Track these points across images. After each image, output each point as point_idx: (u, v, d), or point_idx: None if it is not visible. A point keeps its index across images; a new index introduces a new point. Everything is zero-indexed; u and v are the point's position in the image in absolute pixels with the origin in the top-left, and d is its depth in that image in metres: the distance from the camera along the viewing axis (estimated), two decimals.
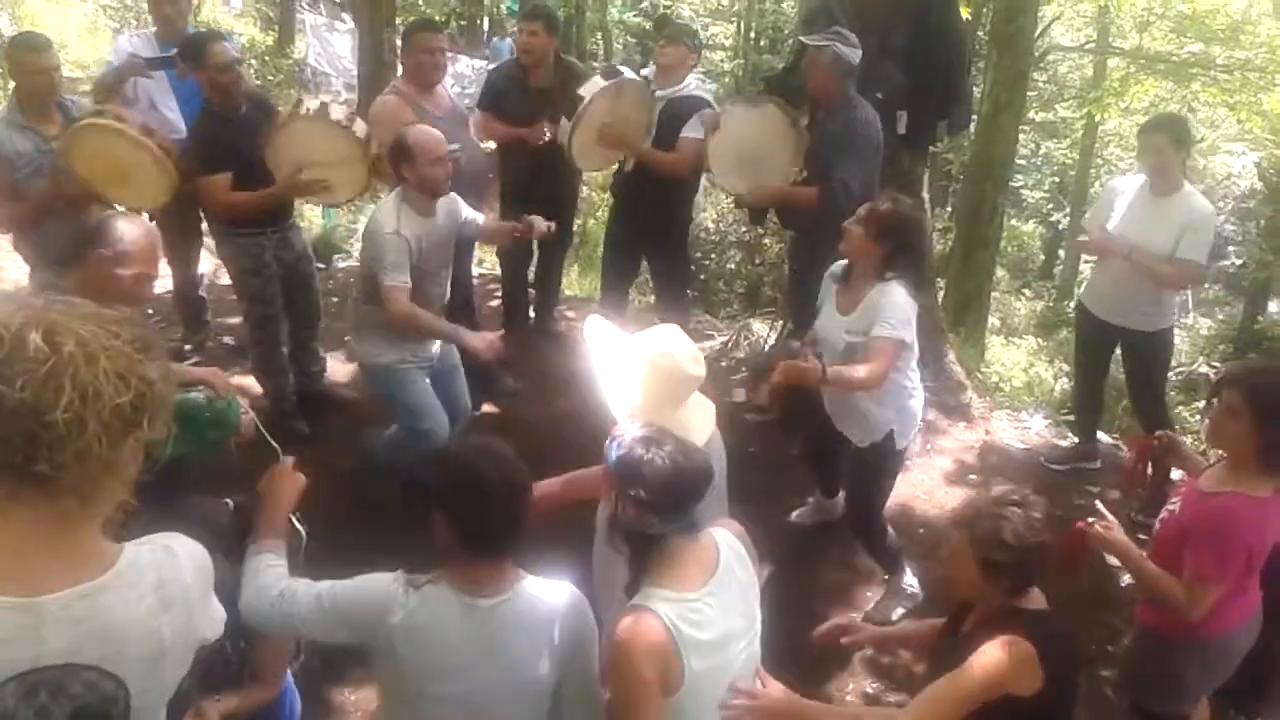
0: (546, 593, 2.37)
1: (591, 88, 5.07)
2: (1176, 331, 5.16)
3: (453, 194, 4.41)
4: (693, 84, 5.46)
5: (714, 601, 2.34)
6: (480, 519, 2.28)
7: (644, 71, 5.63)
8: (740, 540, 2.55)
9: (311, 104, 4.78)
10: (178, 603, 1.58)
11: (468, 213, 4.57)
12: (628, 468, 2.33)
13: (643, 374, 2.79)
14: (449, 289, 4.69)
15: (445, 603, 2.29)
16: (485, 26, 22.29)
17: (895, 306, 3.75)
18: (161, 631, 1.55)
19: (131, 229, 3.17)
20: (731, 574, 2.43)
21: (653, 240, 5.71)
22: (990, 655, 2.45)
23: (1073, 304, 17.70)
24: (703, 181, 6.67)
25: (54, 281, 4.06)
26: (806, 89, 5.04)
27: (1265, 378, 3.04)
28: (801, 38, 4.99)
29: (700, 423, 2.88)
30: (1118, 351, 5.32)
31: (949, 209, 17.36)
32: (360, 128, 4.74)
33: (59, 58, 4.66)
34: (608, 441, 2.45)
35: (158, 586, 1.56)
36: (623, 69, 5.37)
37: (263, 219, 4.90)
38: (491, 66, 7.21)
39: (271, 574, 2.40)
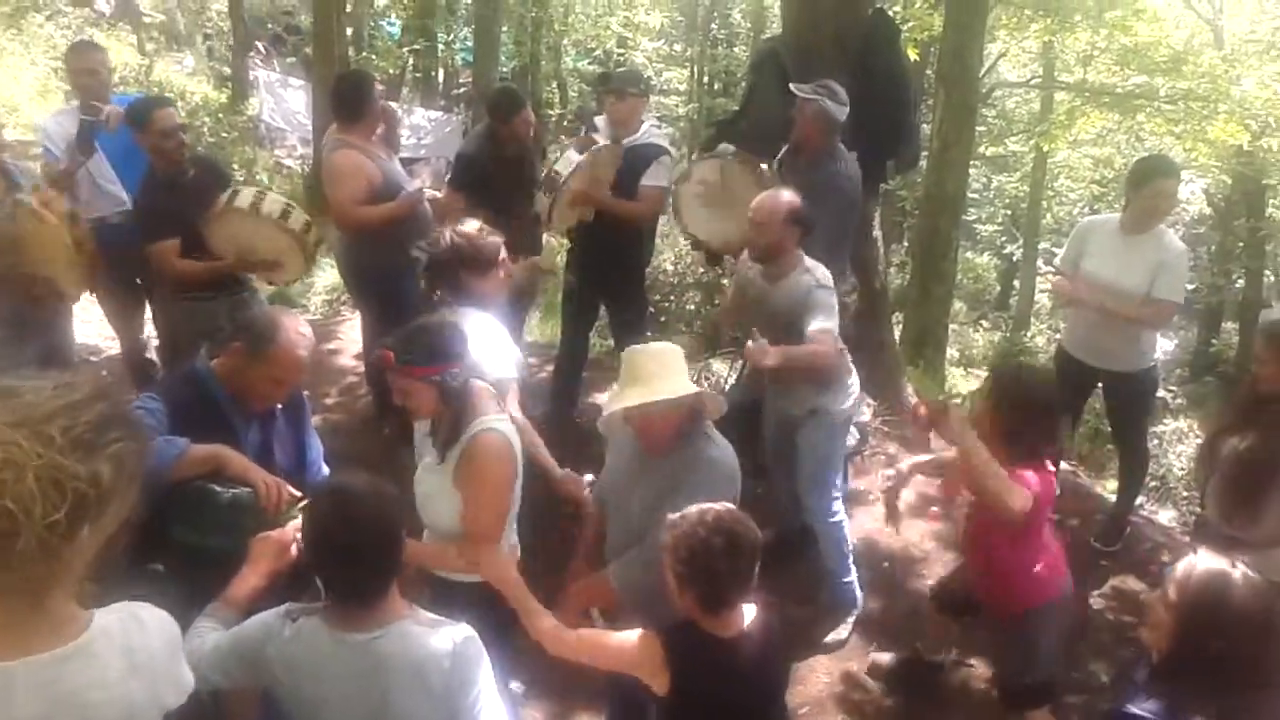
0: (429, 634, 2.33)
1: (566, 164, 5.08)
2: None
3: None
4: (648, 130, 5.49)
5: None
6: (335, 570, 2.30)
7: (598, 119, 5.67)
8: None
9: (246, 194, 4.67)
10: (145, 669, 1.59)
11: None
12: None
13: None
14: None
15: (318, 636, 2.30)
16: (440, 78, 22.38)
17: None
18: (131, 696, 1.56)
19: (298, 340, 3.13)
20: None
21: (612, 287, 5.71)
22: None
23: (1029, 334, 18.02)
24: (660, 225, 6.69)
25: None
26: (790, 135, 5.06)
27: (1008, 369, 3.67)
28: (792, 86, 4.99)
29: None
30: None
31: (904, 244, 17.57)
32: (298, 218, 4.69)
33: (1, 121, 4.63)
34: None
35: (126, 653, 1.57)
36: (596, 135, 5.36)
37: (217, 282, 4.86)
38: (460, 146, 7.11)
39: (197, 632, 2.40)
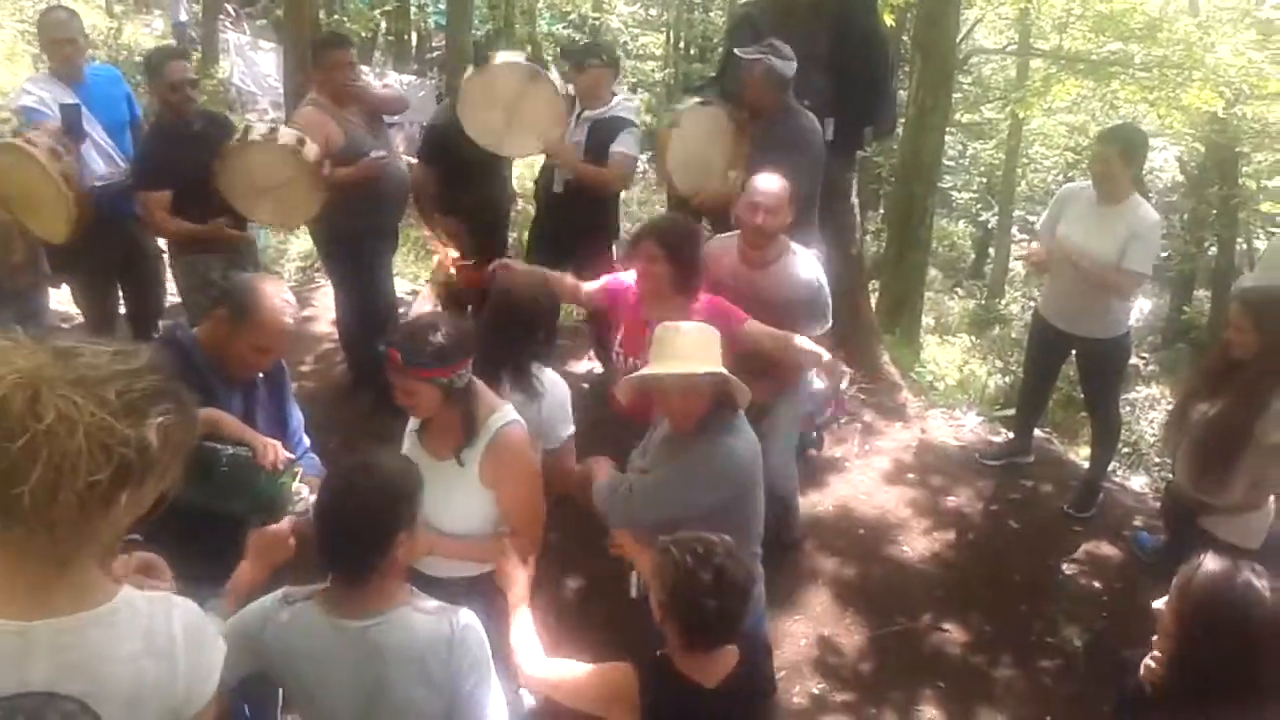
0: (429, 620, 2.31)
1: (508, 55, 5.08)
2: None
3: None
4: (618, 103, 5.45)
5: None
6: (332, 545, 2.28)
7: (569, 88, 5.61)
8: None
9: (260, 128, 4.70)
10: (163, 653, 1.57)
11: None
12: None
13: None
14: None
15: (314, 621, 2.29)
16: (414, 41, 22.12)
17: None
18: (143, 675, 1.54)
19: (282, 307, 3.08)
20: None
21: (582, 257, 5.67)
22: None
23: (1003, 301, 18.11)
24: (636, 195, 6.65)
25: None
26: (744, 100, 5.05)
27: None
28: (736, 50, 4.99)
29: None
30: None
31: (880, 211, 17.58)
32: (312, 150, 4.69)
33: None
34: None
35: (146, 632, 1.56)
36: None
37: (211, 240, 4.85)
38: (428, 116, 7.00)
39: None
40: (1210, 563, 2.32)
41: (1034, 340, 5.61)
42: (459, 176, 5.48)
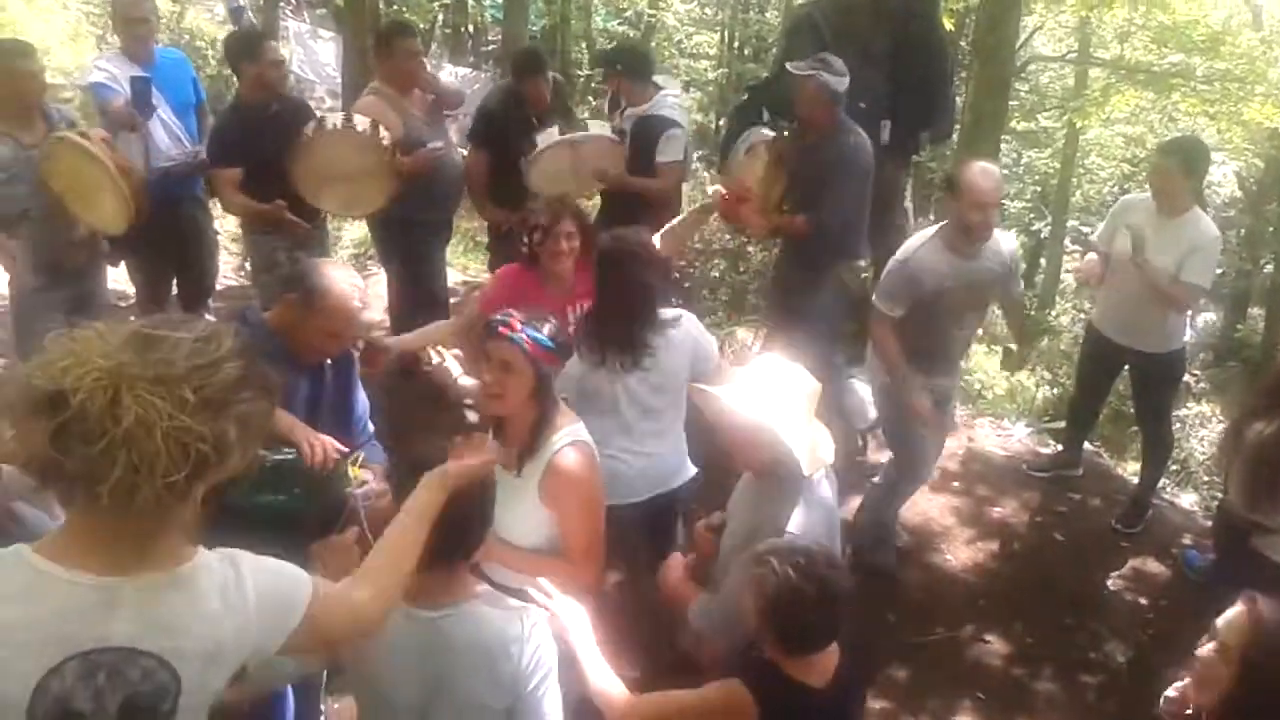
0: (501, 617, 2.27)
1: (546, 139, 5.20)
2: None
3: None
4: (659, 101, 5.47)
5: None
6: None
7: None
8: None
9: (335, 118, 4.79)
10: (237, 610, 1.62)
11: None
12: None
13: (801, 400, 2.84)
14: None
15: None
16: (470, 34, 22.24)
17: None
18: (221, 633, 1.60)
19: (351, 292, 3.08)
20: None
21: None
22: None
23: (1054, 312, 17.86)
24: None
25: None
26: (795, 111, 5.05)
27: None
28: (788, 65, 4.98)
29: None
30: None
31: (932, 217, 17.41)
32: (386, 136, 4.77)
33: (41, 64, 4.61)
34: None
35: (222, 591, 1.62)
36: (591, 123, 5.41)
37: (280, 219, 4.93)
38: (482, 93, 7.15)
39: None
40: (1269, 605, 2.26)
41: (1086, 353, 5.54)
42: (505, 161, 5.55)
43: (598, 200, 6.13)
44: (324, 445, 2.86)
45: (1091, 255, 5.10)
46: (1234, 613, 2.30)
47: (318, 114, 4.97)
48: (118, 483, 1.41)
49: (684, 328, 3.63)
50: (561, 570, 2.83)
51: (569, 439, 2.90)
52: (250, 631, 1.64)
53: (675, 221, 4.96)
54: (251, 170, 4.87)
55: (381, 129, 4.78)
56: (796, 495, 2.83)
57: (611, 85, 5.52)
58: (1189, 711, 2.37)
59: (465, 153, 5.82)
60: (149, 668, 1.54)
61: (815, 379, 2.93)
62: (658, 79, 5.67)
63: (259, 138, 4.81)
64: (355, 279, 3.17)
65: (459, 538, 2.24)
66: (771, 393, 2.81)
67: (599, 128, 5.42)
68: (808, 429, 2.82)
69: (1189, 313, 4.95)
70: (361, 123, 4.75)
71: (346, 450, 2.93)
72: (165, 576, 1.56)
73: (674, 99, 5.62)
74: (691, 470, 3.77)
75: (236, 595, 1.63)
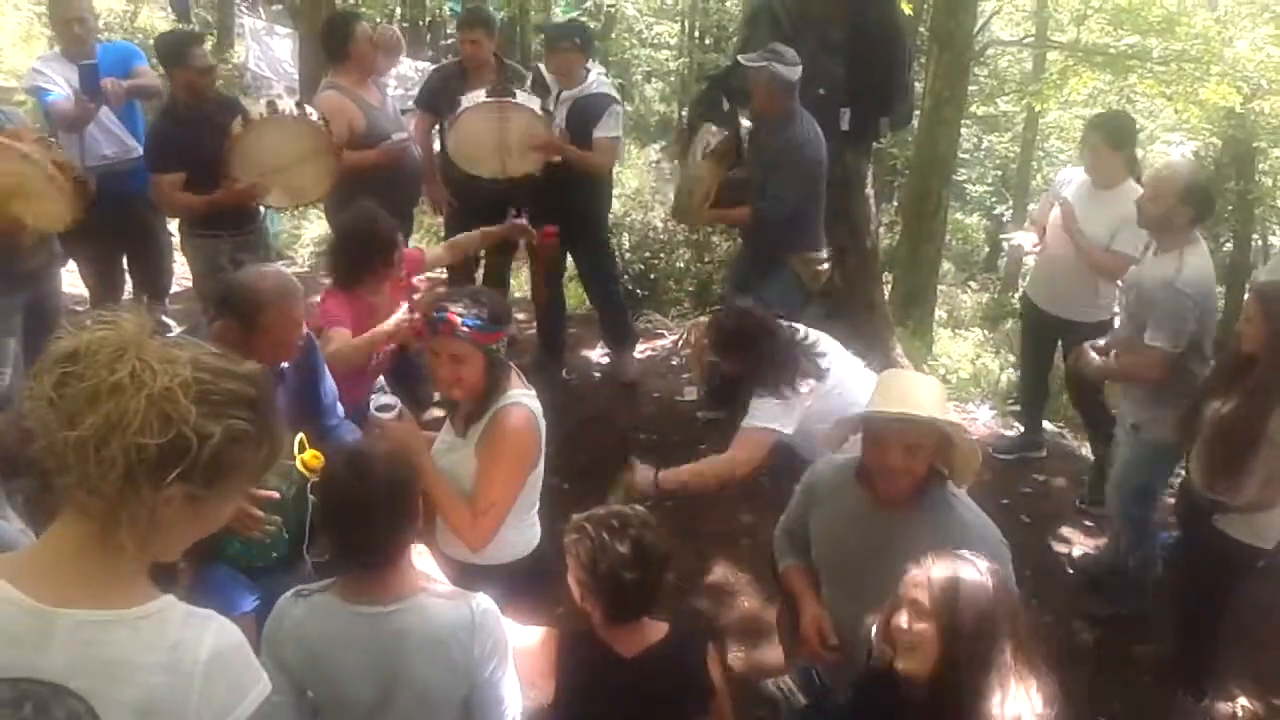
0: (448, 606, 2.29)
1: (471, 99, 5.13)
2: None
3: None
4: (594, 81, 5.46)
5: None
6: (348, 531, 2.26)
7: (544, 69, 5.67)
8: None
9: (259, 107, 4.73)
10: (183, 672, 1.49)
11: None
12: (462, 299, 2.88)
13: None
14: None
15: (332, 611, 2.27)
16: (429, 27, 22.07)
17: (760, 405, 3.80)
18: (156, 690, 1.48)
19: (287, 298, 3.06)
20: None
21: (574, 239, 5.69)
22: None
23: (1017, 295, 18.01)
24: (651, 182, 6.68)
25: None
26: (749, 103, 5.07)
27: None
28: (740, 58, 4.99)
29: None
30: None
31: (895, 203, 17.50)
32: (315, 112, 4.74)
33: None
34: None
35: (173, 646, 1.50)
36: (517, 93, 5.31)
37: (220, 220, 4.87)
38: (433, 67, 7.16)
39: None
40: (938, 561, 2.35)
41: (1023, 326, 5.73)
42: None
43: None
44: (251, 515, 2.80)
45: (1021, 233, 5.18)
46: (937, 573, 2.32)
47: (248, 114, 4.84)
48: (91, 429, 1.37)
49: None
50: (456, 516, 2.88)
51: (507, 400, 2.93)
52: (190, 701, 1.50)
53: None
54: (194, 173, 4.79)
55: (307, 106, 4.73)
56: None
57: (558, 61, 5.42)
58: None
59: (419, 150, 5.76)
60: (75, 711, 1.43)
61: None
62: None
63: (196, 140, 4.74)
64: (284, 278, 3.14)
65: (396, 536, 2.27)
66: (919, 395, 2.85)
67: (527, 100, 5.30)
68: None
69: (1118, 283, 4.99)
70: (285, 105, 4.72)
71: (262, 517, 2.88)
72: (112, 613, 1.46)
73: (605, 78, 5.63)
74: None
75: (189, 658, 1.50)
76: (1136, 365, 4.21)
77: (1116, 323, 4.88)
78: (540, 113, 5.27)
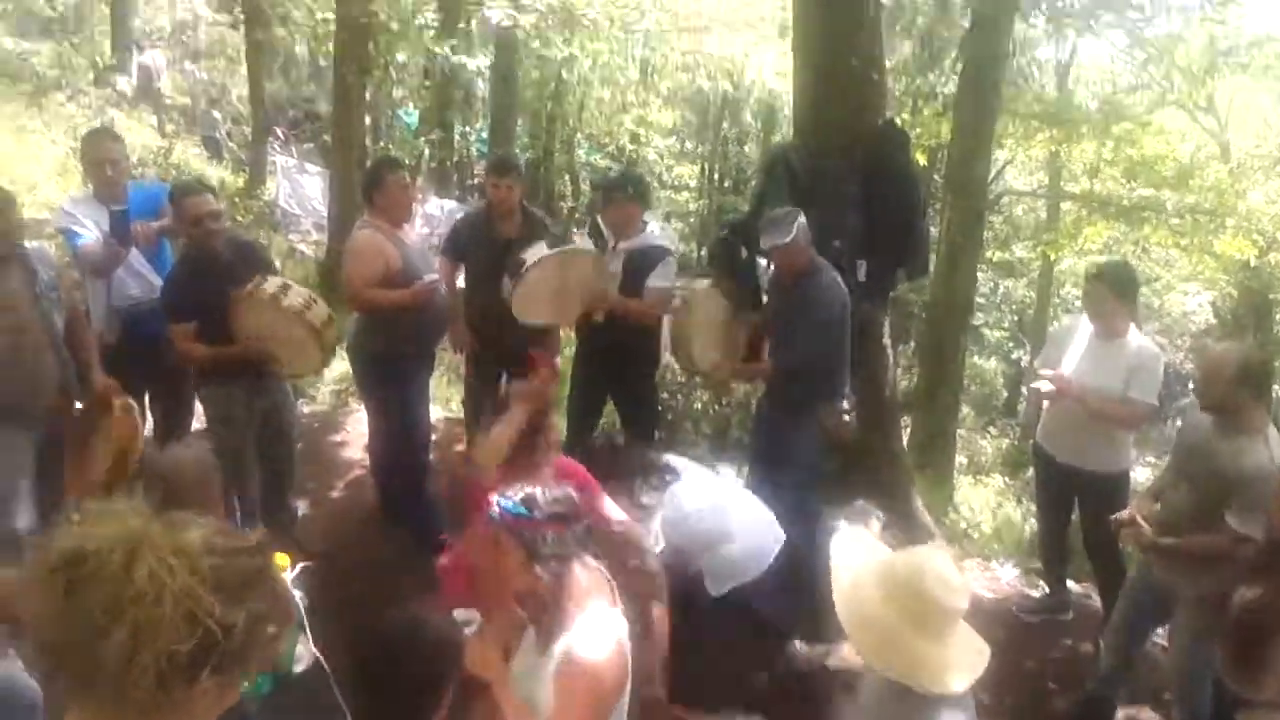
0: None
1: (534, 254, 5.16)
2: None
3: None
4: (653, 231, 5.53)
5: None
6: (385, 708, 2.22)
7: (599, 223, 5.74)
8: None
9: (271, 284, 4.72)
10: None
11: None
12: (530, 503, 2.60)
13: (880, 583, 2.49)
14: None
15: None
16: (456, 166, 22.67)
17: None
18: None
19: (180, 467, 3.05)
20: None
21: (621, 385, 5.71)
22: None
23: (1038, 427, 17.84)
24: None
25: None
26: (775, 263, 5.10)
27: None
28: (768, 239, 4.95)
29: (955, 662, 2.45)
30: None
31: (912, 344, 17.56)
32: (319, 312, 4.72)
33: (18, 214, 4.53)
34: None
35: None
36: (575, 237, 5.42)
37: (232, 369, 4.85)
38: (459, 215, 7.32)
39: None
40: None
41: (1038, 478, 5.59)
42: (474, 278, 5.64)
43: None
44: None
45: (1042, 383, 5.10)
46: None
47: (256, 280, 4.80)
48: (120, 646, 1.33)
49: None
50: None
51: (586, 633, 2.57)
52: None
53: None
54: (207, 321, 4.76)
55: (317, 302, 4.76)
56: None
57: (615, 214, 5.49)
58: None
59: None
60: None
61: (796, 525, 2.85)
62: None
63: (210, 289, 4.72)
64: (197, 456, 3.13)
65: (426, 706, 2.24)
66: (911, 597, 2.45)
67: (583, 242, 5.39)
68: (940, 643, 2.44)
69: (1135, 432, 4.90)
70: (295, 295, 4.71)
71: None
72: None
73: (660, 229, 5.70)
74: None
75: None
76: (1217, 548, 3.91)
77: (1137, 471, 4.73)
78: (596, 252, 5.38)
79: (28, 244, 4.75)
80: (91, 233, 5.01)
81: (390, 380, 5.38)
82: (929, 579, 2.41)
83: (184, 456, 3.13)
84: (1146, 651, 5.24)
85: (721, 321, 5.33)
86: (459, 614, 2.98)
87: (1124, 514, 4.31)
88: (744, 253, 5.74)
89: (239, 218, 15.24)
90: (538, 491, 2.66)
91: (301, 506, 5.75)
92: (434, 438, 6.07)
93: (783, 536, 4.24)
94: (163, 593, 1.36)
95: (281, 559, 2.88)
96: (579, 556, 2.65)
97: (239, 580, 1.44)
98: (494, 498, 2.64)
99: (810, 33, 5.99)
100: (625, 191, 5.53)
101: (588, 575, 2.67)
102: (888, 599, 2.46)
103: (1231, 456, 3.90)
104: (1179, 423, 4.77)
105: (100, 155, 5.23)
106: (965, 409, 16.91)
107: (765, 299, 5.44)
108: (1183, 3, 11.60)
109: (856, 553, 2.67)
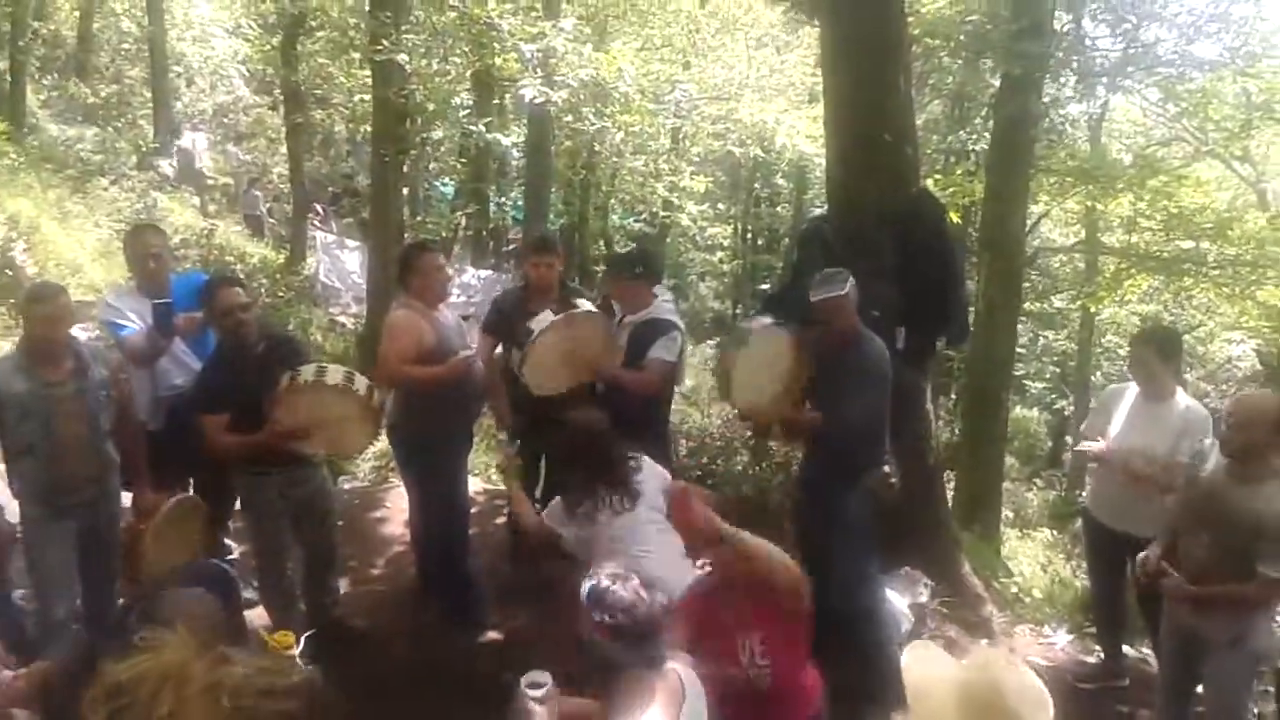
0: None
1: (540, 322, 5.19)
2: None
3: None
4: (657, 305, 5.55)
5: None
6: None
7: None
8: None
9: (307, 370, 4.74)
10: None
11: None
12: (596, 596, 2.58)
13: (960, 706, 2.46)
14: None
15: None
16: (491, 235, 22.97)
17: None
18: None
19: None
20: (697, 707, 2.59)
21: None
22: None
23: (1083, 493, 17.59)
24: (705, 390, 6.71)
25: None
26: (827, 329, 5.08)
27: None
28: (821, 292, 4.98)
29: None
30: None
31: (953, 397, 17.44)
32: (361, 384, 4.76)
33: (69, 304, 4.66)
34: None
35: None
36: (579, 302, 5.43)
37: (267, 460, 4.85)
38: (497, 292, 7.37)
39: None
40: None
41: (1088, 544, 5.56)
42: (510, 353, 5.63)
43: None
44: None
45: (1092, 444, 5.06)
46: None
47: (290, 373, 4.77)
48: None
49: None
50: None
51: None
52: None
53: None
54: (240, 413, 4.75)
55: (356, 376, 4.80)
56: None
57: (622, 291, 5.52)
58: None
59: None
60: None
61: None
62: None
63: (244, 381, 4.74)
64: (195, 602, 3.14)
65: None
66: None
67: (590, 307, 5.41)
68: None
69: None
70: (334, 374, 4.74)
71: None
72: None
73: (670, 305, 5.70)
74: None
75: None
76: (1255, 596, 3.98)
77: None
78: (603, 315, 5.41)
79: (86, 339, 4.88)
80: (135, 325, 5.11)
81: (430, 457, 5.42)
82: (1010, 698, 2.39)
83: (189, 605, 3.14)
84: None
85: (782, 356, 5.17)
86: (534, 676, 2.76)
87: (1149, 564, 4.32)
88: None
89: (280, 294, 15.51)
90: (615, 588, 2.64)
91: (343, 584, 5.77)
92: (473, 510, 6.09)
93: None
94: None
95: (285, 636, 2.92)
96: (634, 665, 2.62)
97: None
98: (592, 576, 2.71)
99: (841, 105, 6.04)
100: (633, 270, 5.56)
101: (643, 685, 2.61)
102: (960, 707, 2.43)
103: (1262, 501, 3.90)
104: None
105: (143, 250, 5.32)
106: (1009, 460, 16.72)
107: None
108: (1214, 58, 11.56)
109: (928, 670, 2.61)
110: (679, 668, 2.66)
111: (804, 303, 5.25)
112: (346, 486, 7.78)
